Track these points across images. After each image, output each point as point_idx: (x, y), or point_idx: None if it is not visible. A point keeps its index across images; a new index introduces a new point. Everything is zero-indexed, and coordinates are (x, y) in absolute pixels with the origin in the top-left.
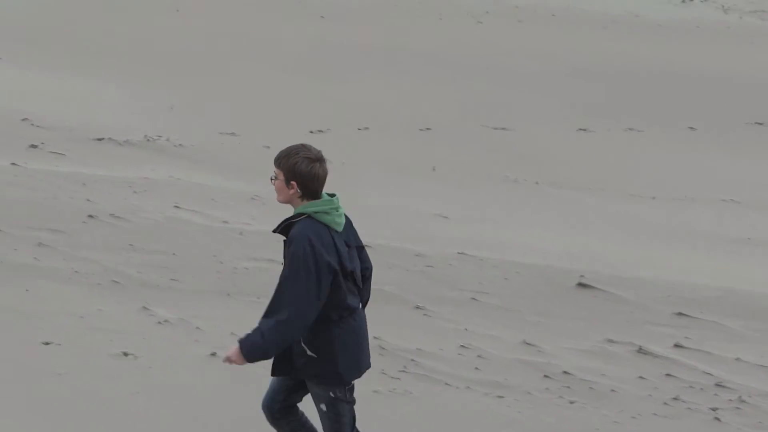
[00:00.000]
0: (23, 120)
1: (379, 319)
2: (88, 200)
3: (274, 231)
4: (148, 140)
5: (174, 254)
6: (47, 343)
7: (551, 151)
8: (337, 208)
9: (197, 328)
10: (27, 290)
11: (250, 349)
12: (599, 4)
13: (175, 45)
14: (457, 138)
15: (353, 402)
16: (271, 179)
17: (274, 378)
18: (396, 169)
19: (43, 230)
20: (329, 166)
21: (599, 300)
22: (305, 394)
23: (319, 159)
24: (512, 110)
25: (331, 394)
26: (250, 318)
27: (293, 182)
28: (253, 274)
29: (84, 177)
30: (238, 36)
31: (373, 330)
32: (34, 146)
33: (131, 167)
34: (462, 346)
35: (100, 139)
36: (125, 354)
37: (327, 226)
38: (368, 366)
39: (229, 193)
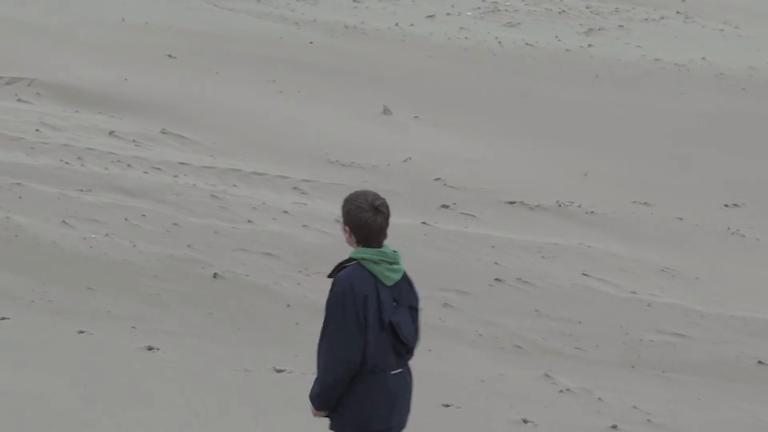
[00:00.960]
0: (436, 180)
1: None
2: (495, 263)
3: (329, 276)
4: (560, 206)
5: (579, 322)
6: (447, 405)
7: None
8: (391, 262)
9: (599, 399)
10: (430, 350)
11: (316, 400)
12: None
13: (590, 111)
14: None
15: None
16: (337, 220)
17: None
18: None
19: (449, 291)
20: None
21: None
22: None
23: (373, 209)
24: None
25: None
26: (653, 393)
27: (347, 227)
28: (659, 348)
29: (493, 240)
30: (653, 105)
31: None
32: (445, 206)
33: (541, 232)
34: None
35: (511, 203)
36: (525, 421)
37: (375, 277)
38: (382, 429)
39: (638, 263)
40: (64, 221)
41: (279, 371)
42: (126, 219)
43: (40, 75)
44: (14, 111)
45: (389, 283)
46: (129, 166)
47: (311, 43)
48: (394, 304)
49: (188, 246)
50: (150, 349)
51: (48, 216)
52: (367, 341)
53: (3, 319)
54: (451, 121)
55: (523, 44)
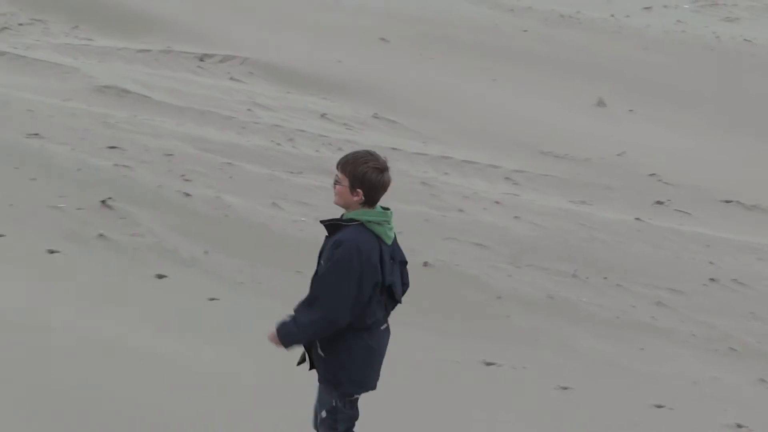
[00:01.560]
0: (651, 175)
1: None
2: (710, 263)
3: (322, 222)
4: None
5: None
6: (659, 406)
7: None
8: (389, 221)
9: None
10: (642, 349)
11: (284, 336)
12: None
13: None
14: None
15: (354, 416)
16: (335, 183)
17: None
18: None
19: (662, 289)
20: None
21: None
22: None
23: (386, 169)
24: None
25: (333, 403)
26: None
27: (359, 190)
28: None
29: (708, 239)
30: None
31: None
32: (660, 203)
33: (758, 233)
34: None
35: (727, 201)
36: (739, 426)
37: (377, 237)
38: (373, 387)
39: None
40: (274, 203)
41: (489, 364)
42: None
43: (253, 54)
44: (226, 89)
45: (389, 242)
46: (340, 149)
47: (525, 31)
48: (391, 260)
49: (398, 233)
50: None
51: (258, 197)
52: (369, 302)
53: (212, 299)
54: (666, 115)
55: (742, 40)
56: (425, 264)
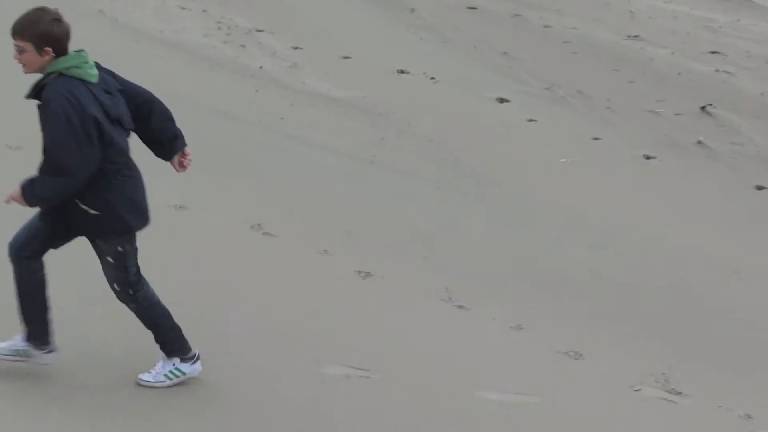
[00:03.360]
0: None
1: None
2: None
3: (27, 97)
4: None
5: None
6: None
7: None
8: (87, 61)
9: None
10: None
11: (30, 198)
12: None
13: None
14: None
15: (137, 249)
16: (20, 54)
17: (38, 222)
18: None
19: None
20: None
21: None
22: (63, 244)
23: (61, 16)
24: None
25: (119, 248)
26: None
27: (47, 48)
28: None
29: None
30: None
31: None
32: None
33: None
34: None
35: None
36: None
37: (82, 80)
38: (149, 215)
39: None
40: None
41: None
42: None
43: None
44: None
45: (95, 80)
46: None
47: None
48: (107, 94)
49: None
50: None
51: None
52: (111, 138)
53: None
54: None
55: None
56: None
